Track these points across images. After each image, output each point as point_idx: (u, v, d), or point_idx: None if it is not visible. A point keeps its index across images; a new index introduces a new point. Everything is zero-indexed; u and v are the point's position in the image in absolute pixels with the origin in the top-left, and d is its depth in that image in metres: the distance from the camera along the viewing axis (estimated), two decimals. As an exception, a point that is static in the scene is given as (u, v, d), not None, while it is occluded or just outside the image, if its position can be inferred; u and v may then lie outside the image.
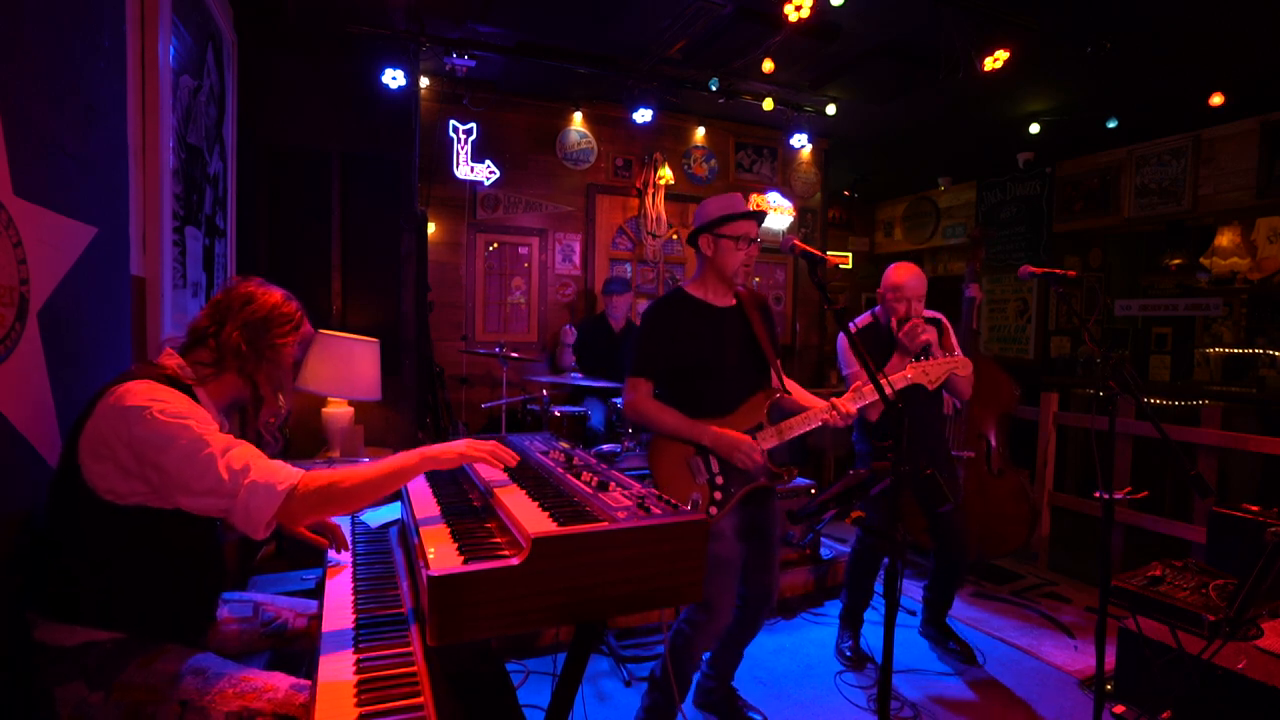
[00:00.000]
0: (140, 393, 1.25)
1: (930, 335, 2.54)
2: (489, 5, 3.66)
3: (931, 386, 2.28)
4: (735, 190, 5.54)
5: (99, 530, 1.27)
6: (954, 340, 2.74)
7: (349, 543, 1.72)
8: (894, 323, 2.66)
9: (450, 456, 1.43)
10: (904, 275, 2.66)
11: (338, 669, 1.18)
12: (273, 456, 1.36)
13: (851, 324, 2.81)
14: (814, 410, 2.14)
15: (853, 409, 2.12)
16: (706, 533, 1.30)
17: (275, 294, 1.47)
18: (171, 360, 1.39)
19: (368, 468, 1.35)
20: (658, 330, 2.18)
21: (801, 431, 2.15)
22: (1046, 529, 4.02)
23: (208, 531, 1.42)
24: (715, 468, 2.11)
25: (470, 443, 1.47)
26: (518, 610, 1.13)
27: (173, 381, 1.34)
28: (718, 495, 2.10)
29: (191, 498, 1.24)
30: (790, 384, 2.29)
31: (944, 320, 2.77)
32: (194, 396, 1.36)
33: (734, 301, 2.25)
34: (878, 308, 2.81)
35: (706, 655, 2.51)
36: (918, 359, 2.46)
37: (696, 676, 2.55)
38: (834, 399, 2.15)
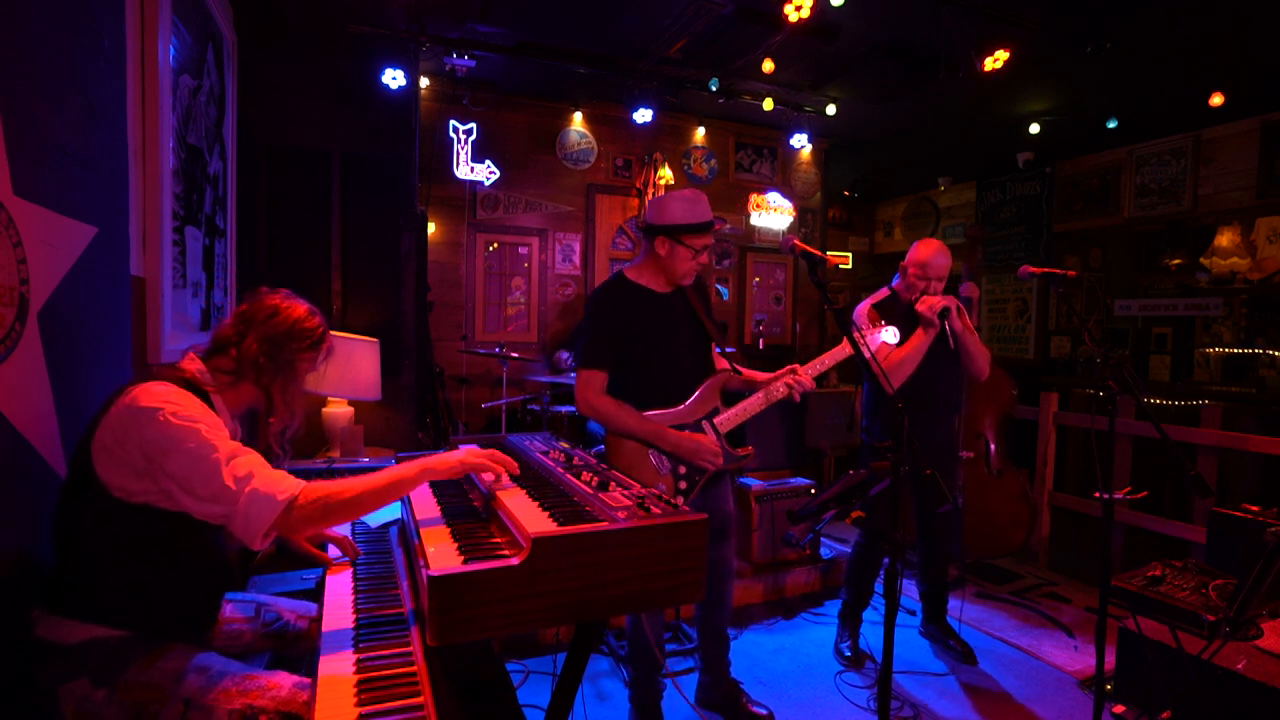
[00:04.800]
0: (156, 394, 1.27)
1: (950, 301, 2.59)
2: (489, 5, 3.66)
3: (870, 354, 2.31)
4: (735, 189, 5.60)
5: (107, 527, 1.28)
6: (969, 321, 2.75)
7: (359, 549, 1.73)
8: (914, 297, 2.67)
9: (450, 466, 1.43)
10: (929, 252, 2.67)
11: (338, 668, 1.18)
12: (278, 466, 1.36)
13: (869, 298, 2.84)
14: (772, 386, 2.16)
15: (811, 381, 2.16)
16: (706, 531, 1.30)
17: (300, 309, 1.49)
18: (193, 365, 1.41)
19: (366, 480, 1.34)
20: (607, 318, 2.14)
21: (759, 409, 2.18)
22: (1046, 529, 4.02)
23: (213, 533, 1.43)
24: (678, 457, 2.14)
25: (471, 450, 1.48)
26: (518, 610, 1.13)
27: (190, 386, 1.36)
28: (682, 485, 2.12)
29: (196, 502, 1.24)
30: (744, 370, 2.29)
31: (959, 303, 2.76)
32: (209, 402, 1.37)
33: (671, 289, 2.24)
34: (896, 281, 2.81)
35: (698, 654, 2.51)
36: (942, 328, 2.55)
37: (695, 676, 2.55)
38: (796, 365, 2.18)
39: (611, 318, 2.14)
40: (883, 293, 2.85)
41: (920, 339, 2.57)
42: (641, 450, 2.12)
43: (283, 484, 1.26)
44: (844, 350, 2.19)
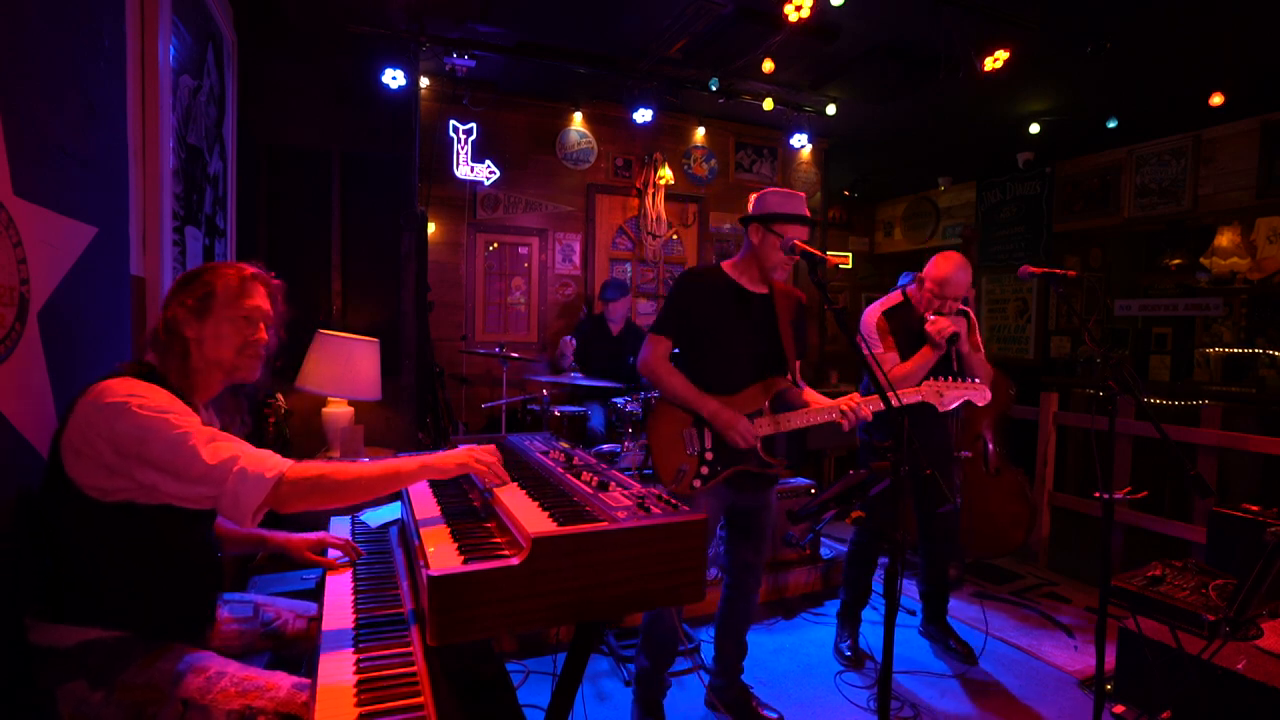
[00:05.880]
0: (118, 390, 1.26)
1: (960, 327, 2.57)
2: (489, 5, 3.66)
3: (943, 408, 2.28)
4: (735, 189, 5.60)
5: (87, 529, 1.27)
6: (979, 338, 2.73)
7: (360, 550, 1.72)
8: (928, 314, 2.64)
9: (449, 467, 1.43)
10: (949, 269, 2.58)
11: (338, 669, 1.18)
12: (237, 432, 1.37)
13: (880, 302, 2.79)
14: (823, 407, 2.16)
15: (868, 413, 2.13)
16: (706, 531, 1.30)
17: (180, 277, 1.46)
18: (155, 358, 1.41)
19: (364, 465, 1.35)
20: (686, 294, 2.25)
21: (801, 425, 2.18)
22: (1046, 529, 4.02)
23: (199, 528, 1.42)
24: (708, 443, 2.18)
25: (470, 451, 1.47)
26: (518, 610, 1.13)
27: (153, 377, 1.35)
28: (704, 470, 2.15)
29: (181, 485, 1.23)
30: (807, 389, 2.30)
31: (970, 315, 2.72)
32: (175, 391, 1.36)
33: (766, 290, 2.29)
34: (911, 287, 2.76)
35: (710, 655, 2.52)
36: (949, 350, 2.53)
37: (706, 677, 2.56)
38: (854, 396, 2.17)
39: (682, 296, 2.26)
40: (895, 297, 2.78)
41: (926, 358, 2.55)
42: (678, 426, 2.19)
43: (269, 461, 1.27)
44: (913, 394, 2.22)
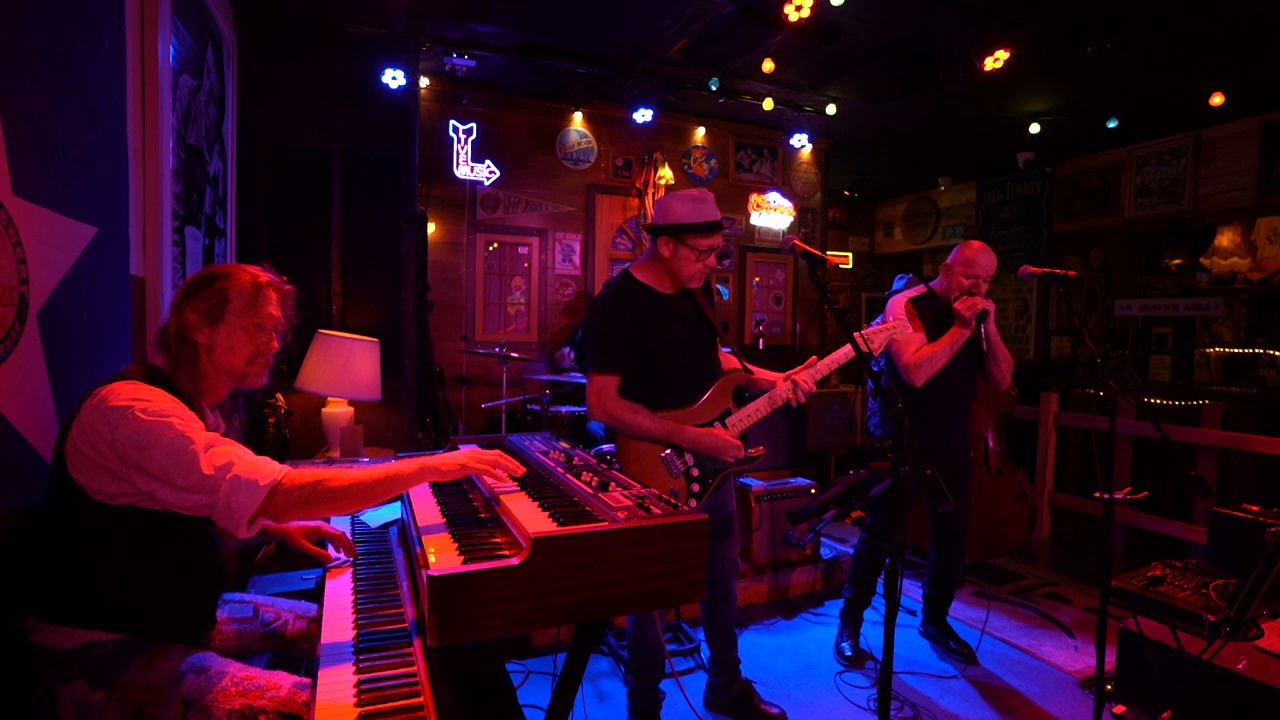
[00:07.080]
0: (123, 393, 1.25)
1: (990, 305, 2.59)
2: (489, 5, 3.66)
3: (877, 352, 2.25)
4: (735, 189, 5.60)
5: (91, 531, 1.27)
6: (994, 326, 2.74)
7: (356, 548, 1.72)
8: (956, 296, 2.65)
9: (450, 468, 1.40)
10: (973, 250, 2.65)
11: (337, 670, 1.18)
12: (235, 431, 1.38)
13: (906, 292, 2.84)
14: (777, 390, 2.15)
15: (813, 386, 2.15)
16: (706, 531, 1.30)
17: (198, 273, 1.45)
18: (162, 360, 1.40)
19: (361, 471, 1.33)
20: (614, 321, 2.09)
21: (769, 409, 2.16)
22: (1046, 529, 4.02)
23: (201, 531, 1.42)
24: (690, 460, 2.12)
25: (472, 454, 1.45)
26: (518, 610, 1.13)
27: (160, 379, 1.34)
28: (695, 488, 2.12)
29: (177, 494, 1.23)
30: (754, 370, 2.27)
31: (990, 307, 2.73)
32: (182, 394, 1.35)
33: (677, 290, 2.19)
34: (935, 282, 2.81)
35: (705, 655, 2.51)
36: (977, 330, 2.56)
37: (697, 676, 2.55)
38: (792, 374, 2.17)
39: (617, 318, 2.09)
40: (919, 289, 2.83)
41: (955, 336, 2.57)
42: (653, 453, 2.10)
43: (264, 470, 1.25)
44: (845, 353, 2.17)
